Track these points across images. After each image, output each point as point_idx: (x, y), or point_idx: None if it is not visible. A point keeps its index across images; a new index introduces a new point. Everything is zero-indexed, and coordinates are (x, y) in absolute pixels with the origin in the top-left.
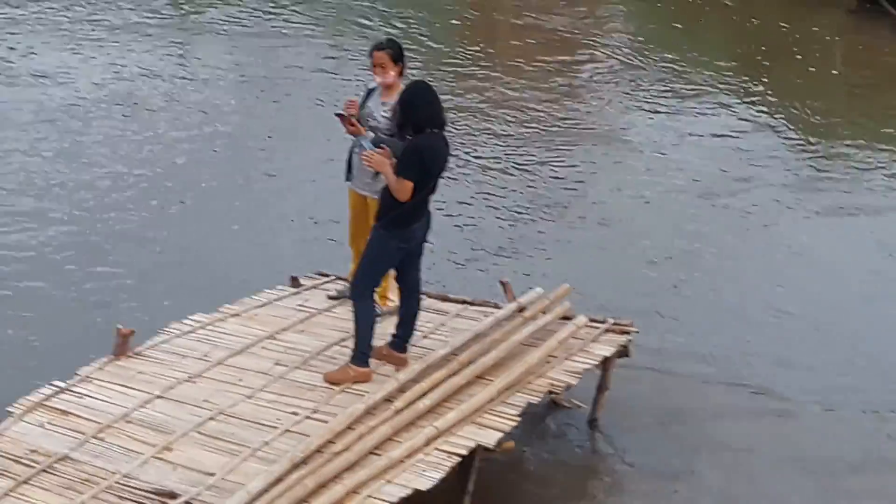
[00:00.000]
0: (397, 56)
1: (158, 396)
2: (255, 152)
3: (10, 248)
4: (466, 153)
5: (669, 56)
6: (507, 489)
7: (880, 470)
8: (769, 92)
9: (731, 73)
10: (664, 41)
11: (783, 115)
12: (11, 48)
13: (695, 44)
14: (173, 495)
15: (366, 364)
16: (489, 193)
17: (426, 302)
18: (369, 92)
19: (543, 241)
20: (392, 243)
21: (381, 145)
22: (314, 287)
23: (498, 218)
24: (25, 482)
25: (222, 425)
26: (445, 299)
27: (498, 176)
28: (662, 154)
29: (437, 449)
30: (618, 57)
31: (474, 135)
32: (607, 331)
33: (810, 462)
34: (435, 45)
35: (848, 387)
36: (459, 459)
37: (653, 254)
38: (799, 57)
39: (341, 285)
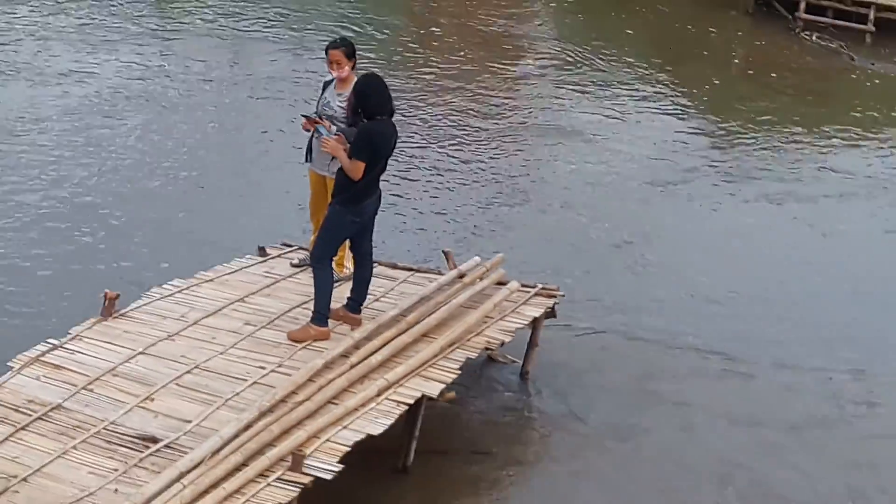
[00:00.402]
0: (350, 53)
1: (141, 353)
2: (239, 144)
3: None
4: (434, 145)
5: (597, 55)
6: (448, 434)
7: (818, 427)
8: (686, 88)
9: (655, 71)
10: (590, 42)
11: (694, 107)
12: (38, 52)
13: (618, 43)
14: (155, 440)
15: (325, 324)
16: (447, 186)
17: (377, 269)
18: (325, 85)
19: (503, 223)
20: (347, 217)
21: (337, 133)
22: (279, 256)
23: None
24: (23, 428)
25: (198, 378)
26: (394, 267)
27: (457, 168)
28: (608, 144)
29: (387, 399)
30: (553, 57)
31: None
32: (537, 294)
33: (743, 417)
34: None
35: (789, 352)
36: (407, 408)
37: (608, 234)
38: (706, 54)
39: (303, 254)
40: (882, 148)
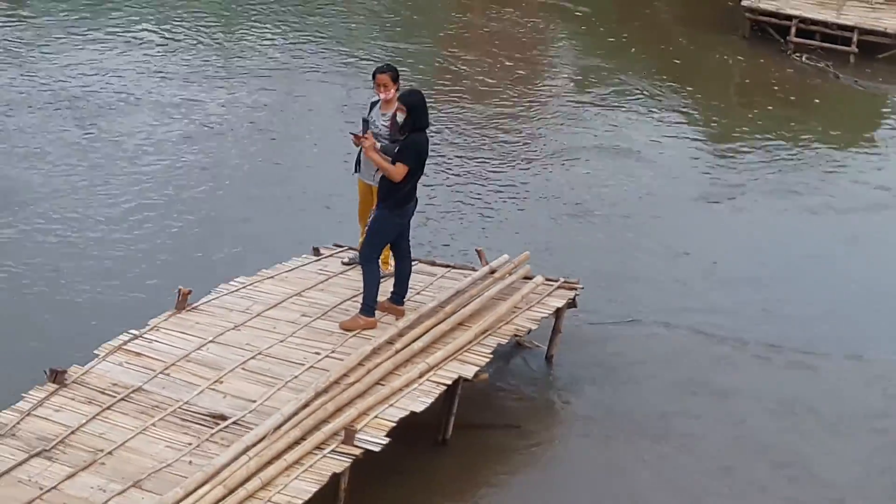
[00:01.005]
0: (395, 77)
1: (211, 341)
2: (295, 156)
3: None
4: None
5: (612, 76)
6: (482, 410)
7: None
8: (689, 105)
9: (655, 89)
10: (602, 66)
11: (692, 125)
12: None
13: (630, 66)
14: (224, 417)
15: (372, 314)
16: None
17: (418, 266)
18: (372, 105)
19: (533, 225)
20: (394, 220)
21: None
22: (332, 255)
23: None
24: (108, 409)
25: (261, 363)
26: (433, 264)
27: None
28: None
29: (428, 380)
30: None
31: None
32: (559, 287)
33: (733, 392)
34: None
35: (774, 331)
36: (445, 388)
37: (618, 234)
38: (712, 74)
39: (353, 253)
40: (864, 156)
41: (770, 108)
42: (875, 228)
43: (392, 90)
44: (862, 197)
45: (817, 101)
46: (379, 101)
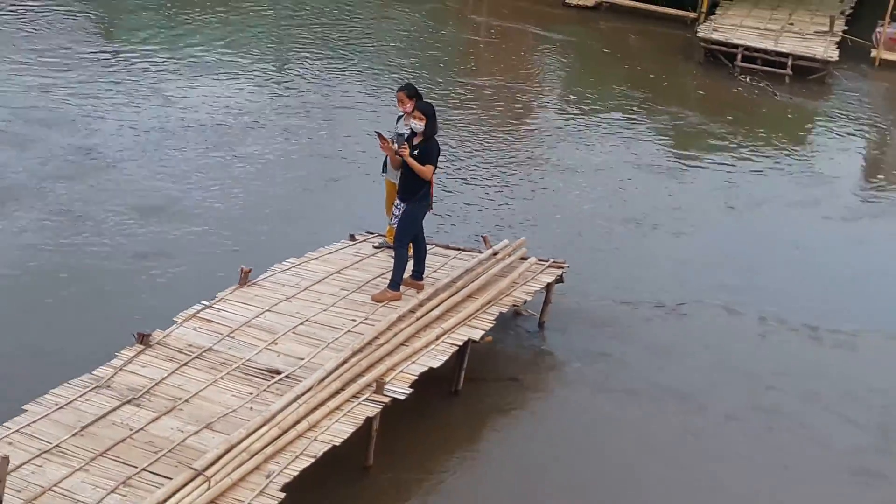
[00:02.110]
0: (411, 94)
1: (267, 310)
2: (328, 160)
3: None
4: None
5: (592, 93)
6: (487, 366)
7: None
8: (656, 117)
9: (627, 105)
10: (585, 84)
11: (657, 134)
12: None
13: (607, 84)
14: (278, 372)
15: (398, 289)
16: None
17: (434, 249)
18: (399, 117)
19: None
20: (423, 210)
21: (402, 145)
22: (364, 240)
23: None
24: (184, 365)
25: (308, 328)
26: (447, 247)
27: (492, 181)
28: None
29: (443, 342)
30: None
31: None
32: (549, 266)
33: (713, 352)
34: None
35: (745, 299)
36: (457, 348)
37: (599, 224)
38: (673, 93)
39: (381, 239)
40: (795, 154)
41: (721, 118)
42: (785, 212)
43: (409, 104)
44: (788, 186)
45: (760, 112)
46: (401, 115)
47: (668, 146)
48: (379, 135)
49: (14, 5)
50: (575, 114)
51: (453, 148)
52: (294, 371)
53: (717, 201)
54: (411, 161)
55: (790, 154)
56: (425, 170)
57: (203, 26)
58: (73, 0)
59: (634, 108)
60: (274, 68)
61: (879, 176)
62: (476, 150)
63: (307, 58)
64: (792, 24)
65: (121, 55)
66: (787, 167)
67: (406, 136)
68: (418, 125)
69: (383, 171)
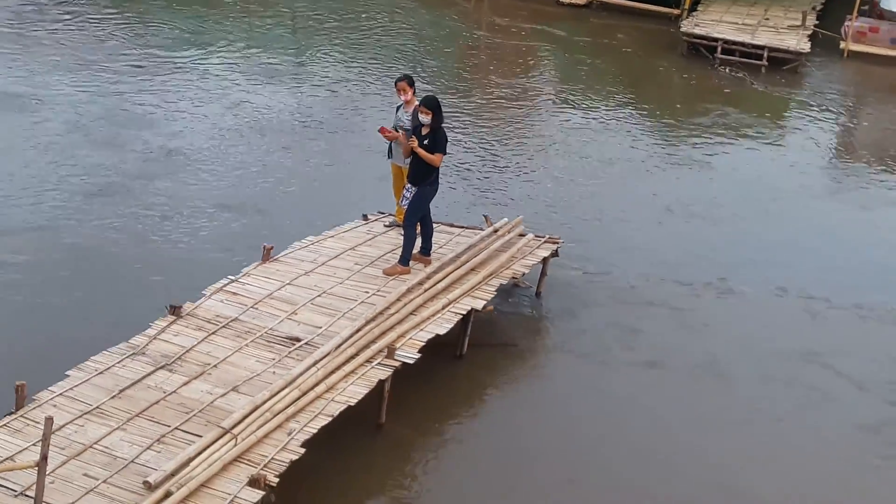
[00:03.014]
0: (410, 83)
1: (288, 283)
2: (339, 149)
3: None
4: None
5: (584, 83)
6: (488, 332)
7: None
8: (643, 105)
9: (617, 94)
10: (578, 75)
11: (645, 120)
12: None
13: (598, 75)
14: (298, 339)
15: (407, 264)
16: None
17: (441, 227)
18: (398, 107)
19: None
20: (431, 194)
21: (411, 136)
22: (376, 220)
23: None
24: (213, 334)
25: (325, 299)
26: (452, 225)
27: (495, 166)
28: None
29: (448, 311)
30: (551, 85)
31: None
32: (545, 241)
33: (695, 320)
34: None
35: (714, 275)
36: (461, 316)
37: (590, 203)
38: (660, 83)
39: (391, 219)
40: (770, 137)
41: (702, 106)
42: (761, 190)
43: (409, 93)
44: (763, 161)
45: (738, 100)
46: (402, 103)
47: (654, 129)
48: (383, 130)
49: (86, 17)
50: (569, 102)
51: (458, 135)
52: (313, 338)
53: (694, 179)
54: (421, 151)
55: (764, 136)
56: (435, 158)
57: (262, 34)
58: (132, 12)
59: (623, 96)
60: (330, 73)
61: (849, 156)
62: (478, 137)
63: (360, 63)
64: (767, 18)
65: (189, 60)
66: (760, 148)
67: (414, 127)
68: (425, 119)
69: (388, 157)
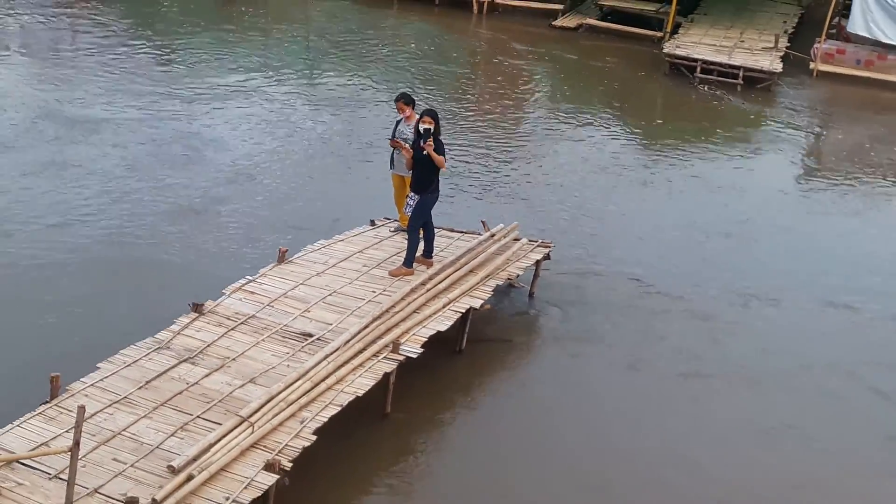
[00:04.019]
0: (407, 102)
1: (301, 283)
2: (347, 159)
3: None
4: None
5: (574, 99)
6: (486, 329)
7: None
8: (629, 119)
9: (605, 110)
10: (569, 92)
11: (630, 134)
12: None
13: (587, 92)
14: (310, 335)
15: (411, 266)
16: (478, 183)
17: (441, 232)
18: (398, 122)
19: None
20: (432, 201)
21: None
22: (382, 225)
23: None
24: (232, 330)
25: (335, 298)
26: (452, 230)
27: (489, 175)
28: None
29: (449, 309)
30: (542, 98)
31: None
32: (538, 246)
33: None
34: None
35: (686, 278)
36: (461, 314)
37: (580, 210)
38: (644, 99)
39: (396, 224)
40: (744, 150)
41: (683, 121)
42: (738, 199)
43: (407, 111)
44: (740, 175)
45: (715, 115)
46: (402, 118)
47: (638, 142)
48: (395, 142)
49: (143, 44)
50: (560, 116)
51: (458, 146)
52: (324, 334)
53: (673, 191)
54: (434, 154)
55: (739, 149)
56: (442, 160)
57: (322, 61)
58: (175, 40)
59: (610, 111)
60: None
61: (818, 167)
62: (477, 148)
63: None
64: (743, 41)
65: (247, 83)
66: (735, 160)
67: (415, 140)
68: (430, 128)
69: (391, 168)
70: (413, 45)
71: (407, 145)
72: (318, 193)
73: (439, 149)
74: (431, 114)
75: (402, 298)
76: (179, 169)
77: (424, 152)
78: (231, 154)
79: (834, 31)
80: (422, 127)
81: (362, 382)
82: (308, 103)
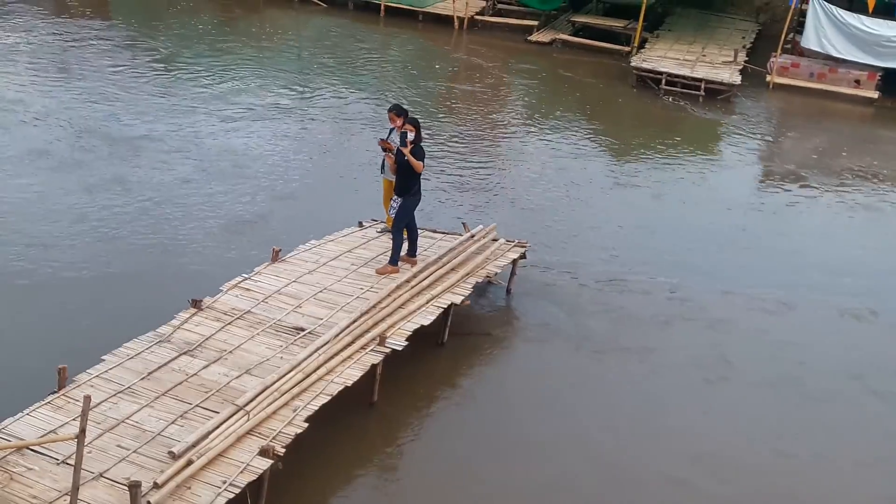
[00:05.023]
0: (398, 113)
1: (294, 281)
2: (340, 165)
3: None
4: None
5: (548, 112)
6: (466, 323)
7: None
8: (599, 127)
9: (576, 118)
10: (543, 102)
11: (600, 141)
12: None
13: (559, 105)
14: (302, 329)
15: (396, 264)
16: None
17: (424, 233)
18: (391, 130)
19: (493, 206)
20: (414, 204)
21: (393, 152)
22: (370, 226)
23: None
24: (229, 324)
25: (326, 294)
26: (434, 231)
27: (472, 179)
28: (547, 162)
29: (431, 304)
30: (519, 111)
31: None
32: (515, 246)
33: (632, 311)
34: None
35: (649, 270)
36: (443, 310)
37: (553, 212)
38: (612, 110)
39: (382, 226)
40: (706, 159)
41: (649, 129)
42: (698, 200)
43: (399, 121)
44: (705, 182)
45: (679, 124)
46: (393, 128)
47: (606, 151)
48: (383, 142)
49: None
50: (535, 125)
51: (439, 153)
52: (315, 328)
53: (640, 194)
54: (411, 158)
55: (702, 156)
56: (419, 165)
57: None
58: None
59: (582, 120)
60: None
61: (772, 174)
62: (457, 155)
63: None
64: (704, 55)
65: (279, 106)
66: (698, 166)
67: (401, 142)
68: (410, 135)
69: (381, 172)
70: (395, 64)
71: (390, 153)
72: (313, 202)
73: (418, 154)
74: (413, 122)
75: (388, 295)
76: (228, 183)
77: (405, 157)
78: (272, 169)
79: (789, 46)
80: (406, 134)
81: (351, 373)
82: (337, 120)
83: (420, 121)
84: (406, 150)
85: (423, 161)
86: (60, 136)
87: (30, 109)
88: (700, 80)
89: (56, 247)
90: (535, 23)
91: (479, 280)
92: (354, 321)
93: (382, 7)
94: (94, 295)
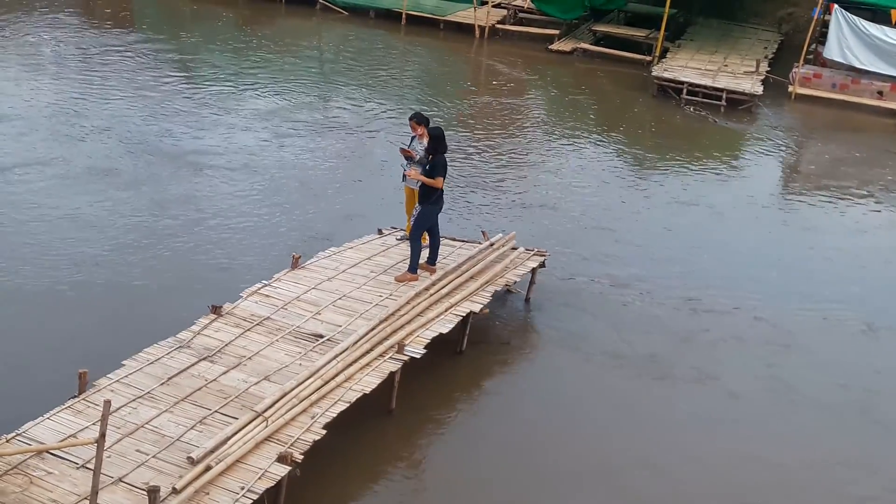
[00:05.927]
0: (419, 121)
1: (313, 288)
2: (361, 170)
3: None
4: (470, 172)
5: (568, 119)
6: (484, 331)
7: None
8: (620, 136)
9: (597, 127)
10: (565, 111)
11: (620, 150)
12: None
13: (580, 113)
14: (321, 336)
15: (415, 272)
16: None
17: (444, 241)
18: (413, 138)
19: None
20: (433, 212)
21: (413, 165)
22: (389, 234)
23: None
24: (248, 331)
25: (345, 301)
26: (454, 239)
27: (491, 188)
28: (568, 170)
29: (450, 313)
30: (539, 119)
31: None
32: (534, 255)
33: (648, 321)
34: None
35: (648, 279)
36: (462, 318)
37: (573, 221)
38: (634, 121)
39: (402, 233)
40: (730, 167)
41: (669, 138)
42: (729, 211)
43: (419, 129)
44: (727, 192)
45: (700, 134)
46: (415, 136)
47: (628, 157)
48: (405, 150)
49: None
50: (556, 134)
51: (461, 162)
52: (334, 335)
53: (661, 198)
54: (422, 177)
55: (723, 166)
56: (435, 182)
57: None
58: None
59: (603, 129)
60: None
61: (794, 182)
62: (478, 163)
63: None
64: (726, 65)
65: (320, 121)
66: (719, 176)
67: (420, 153)
68: (425, 142)
69: (403, 181)
70: (418, 72)
71: (413, 167)
72: (334, 208)
73: (439, 166)
74: (431, 132)
75: (407, 302)
76: (294, 197)
77: (416, 181)
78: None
79: (811, 56)
80: (424, 143)
81: (369, 381)
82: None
83: (441, 128)
84: (412, 174)
85: (444, 175)
86: (122, 153)
87: (93, 124)
88: (722, 90)
89: (102, 256)
90: (557, 32)
91: (499, 289)
92: (373, 329)
93: (404, 16)
94: (119, 304)
